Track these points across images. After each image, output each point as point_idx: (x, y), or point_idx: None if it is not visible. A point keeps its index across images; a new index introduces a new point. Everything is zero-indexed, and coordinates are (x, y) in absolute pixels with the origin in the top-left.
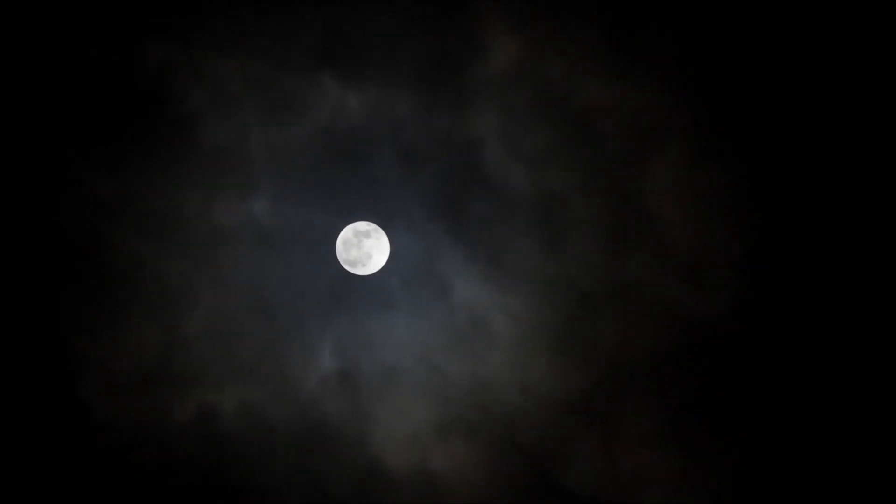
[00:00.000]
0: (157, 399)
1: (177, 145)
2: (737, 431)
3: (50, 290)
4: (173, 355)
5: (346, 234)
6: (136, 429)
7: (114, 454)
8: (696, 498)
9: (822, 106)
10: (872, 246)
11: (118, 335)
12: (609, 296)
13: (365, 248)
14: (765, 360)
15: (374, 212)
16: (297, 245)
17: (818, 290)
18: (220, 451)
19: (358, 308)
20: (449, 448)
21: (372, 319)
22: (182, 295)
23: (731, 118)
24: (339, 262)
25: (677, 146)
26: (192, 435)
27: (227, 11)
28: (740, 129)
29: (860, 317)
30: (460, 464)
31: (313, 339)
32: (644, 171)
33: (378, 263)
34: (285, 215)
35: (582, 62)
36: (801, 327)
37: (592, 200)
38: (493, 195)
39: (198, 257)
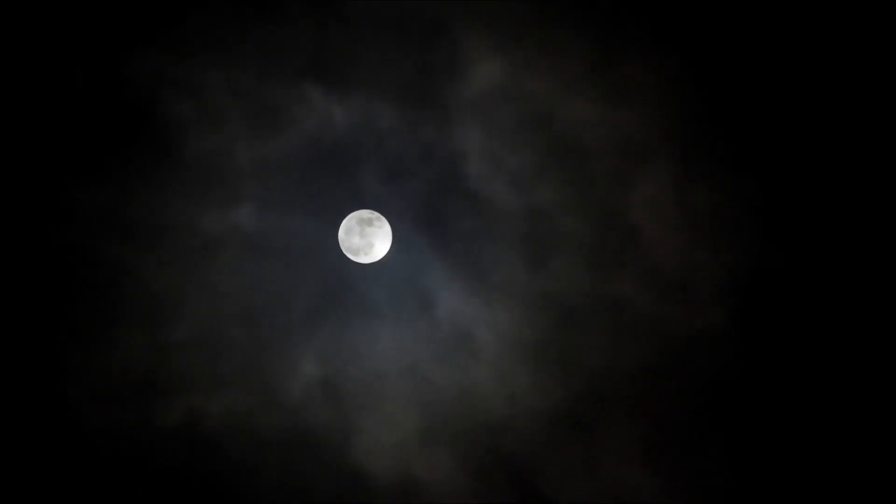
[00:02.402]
0: (143, 406)
1: (163, 155)
2: (720, 449)
3: (37, 300)
4: (159, 363)
5: (349, 222)
6: (123, 436)
7: (100, 461)
8: None
9: (807, 125)
10: (859, 263)
11: (105, 343)
12: (593, 312)
13: (368, 236)
14: (749, 378)
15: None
16: (283, 254)
17: (802, 309)
18: (205, 458)
19: (343, 317)
20: (433, 457)
21: (357, 329)
22: (168, 303)
23: (717, 137)
24: (326, 271)
25: (662, 164)
26: (177, 442)
27: (214, 23)
28: (725, 148)
29: (846, 335)
30: (444, 473)
31: (299, 348)
32: (629, 189)
33: (381, 252)
34: (271, 225)
35: (566, 81)
36: (785, 346)
37: (577, 217)
38: (477, 210)
39: (184, 266)
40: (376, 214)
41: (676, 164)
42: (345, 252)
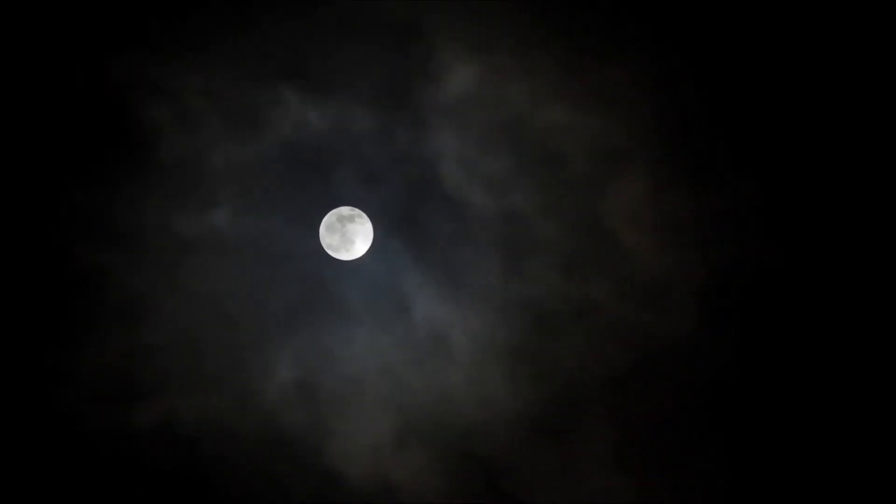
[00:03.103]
0: (120, 407)
1: (140, 158)
2: (694, 452)
3: (14, 302)
4: (136, 365)
5: (330, 219)
6: (100, 436)
7: (78, 461)
8: None
9: (783, 129)
10: (835, 268)
11: (82, 345)
12: (568, 316)
13: (348, 232)
14: (722, 383)
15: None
16: (259, 257)
17: (777, 315)
18: (182, 459)
19: (320, 320)
20: (408, 460)
21: (333, 332)
22: (145, 306)
23: (692, 142)
24: (302, 273)
25: (638, 169)
26: (154, 443)
27: (190, 26)
28: (701, 153)
29: (820, 339)
30: (419, 476)
31: (275, 350)
32: (604, 194)
33: (361, 249)
34: (247, 228)
35: (541, 85)
36: (759, 351)
37: (553, 222)
38: (454, 215)
39: (161, 269)
40: (357, 211)
41: (652, 169)
42: (325, 248)
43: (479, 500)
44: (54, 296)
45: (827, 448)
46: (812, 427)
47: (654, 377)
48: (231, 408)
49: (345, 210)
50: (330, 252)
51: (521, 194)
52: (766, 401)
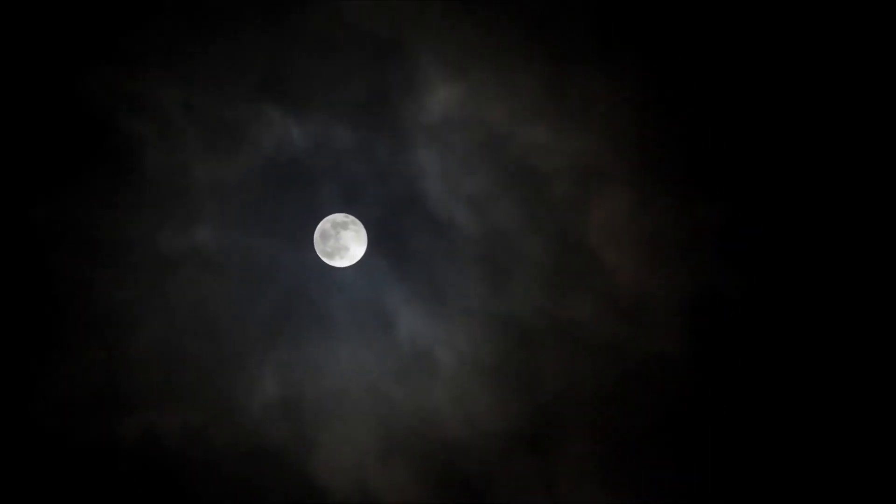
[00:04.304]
0: (101, 420)
1: (123, 173)
2: (676, 469)
3: None
4: (119, 378)
5: (325, 225)
6: (80, 449)
7: (59, 475)
8: None
9: (762, 149)
10: (815, 287)
11: (64, 358)
12: (550, 334)
13: (343, 239)
14: (702, 400)
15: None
16: (241, 271)
17: (756, 333)
18: (163, 472)
19: (303, 335)
20: (391, 474)
21: (316, 346)
22: (126, 319)
23: (673, 161)
24: (284, 285)
25: (619, 189)
26: (135, 456)
27: (173, 43)
28: (682, 172)
29: (799, 358)
30: (402, 490)
31: (257, 365)
32: (585, 212)
33: (356, 255)
34: (229, 242)
35: (521, 105)
36: (739, 369)
37: (535, 240)
38: (436, 232)
39: (143, 282)
40: (351, 218)
41: (633, 187)
42: (320, 255)
43: None
44: (37, 309)
45: (808, 463)
46: (794, 442)
47: (636, 393)
48: (214, 421)
49: (339, 217)
50: (324, 259)
51: (503, 212)
52: (748, 417)
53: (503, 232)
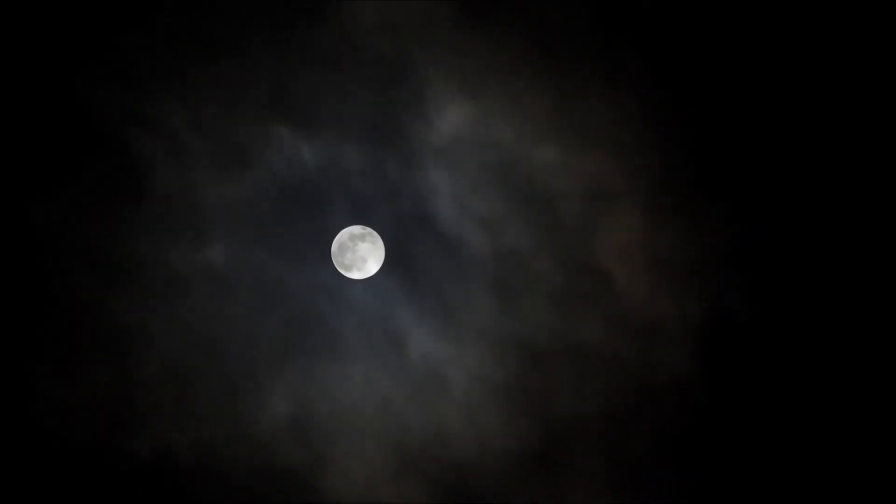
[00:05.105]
0: (112, 439)
1: (133, 192)
2: (687, 491)
3: (9, 333)
4: (131, 396)
5: (342, 237)
6: (92, 468)
7: (72, 491)
8: None
9: (777, 173)
10: (825, 310)
11: (78, 377)
12: (561, 355)
13: (360, 251)
14: (712, 422)
15: (330, 260)
16: (252, 290)
17: (766, 355)
18: (174, 491)
19: (315, 354)
20: (402, 494)
21: (328, 366)
22: (139, 338)
23: (685, 182)
24: (295, 304)
25: (630, 210)
26: (146, 475)
27: (183, 62)
28: (694, 193)
29: (810, 381)
30: None
31: (269, 382)
32: (597, 233)
33: (372, 268)
34: (240, 261)
35: (531, 125)
36: (749, 392)
37: (546, 261)
38: (448, 253)
39: (154, 302)
40: (369, 230)
41: (645, 208)
42: (337, 267)
43: None
44: (50, 329)
45: (821, 484)
46: (806, 464)
47: (647, 414)
48: (226, 438)
49: (356, 229)
50: (342, 271)
51: (514, 232)
52: (758, 438)
53: (514, 252)
